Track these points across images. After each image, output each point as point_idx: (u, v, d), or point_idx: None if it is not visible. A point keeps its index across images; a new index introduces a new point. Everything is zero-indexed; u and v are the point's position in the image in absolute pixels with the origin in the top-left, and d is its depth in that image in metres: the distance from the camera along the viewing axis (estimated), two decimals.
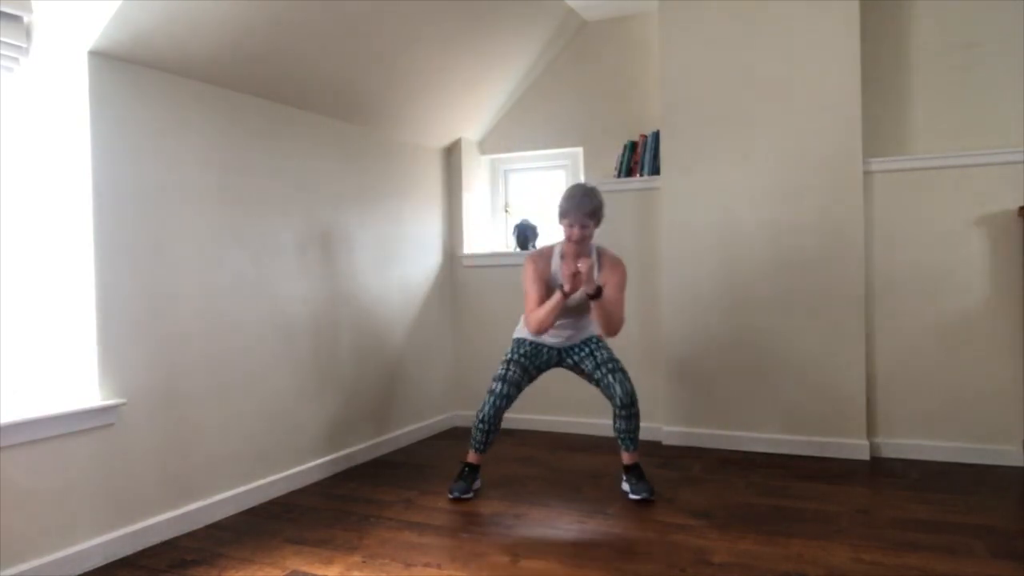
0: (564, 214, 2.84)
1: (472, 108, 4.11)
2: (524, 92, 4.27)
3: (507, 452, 3.66)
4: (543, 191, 4.41)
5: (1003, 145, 3.21)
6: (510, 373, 2.94)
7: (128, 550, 2.41)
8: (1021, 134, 3.20)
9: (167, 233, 2.57)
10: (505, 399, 2.92)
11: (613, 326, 2.83)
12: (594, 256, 2.90)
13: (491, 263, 4.22)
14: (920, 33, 3.39)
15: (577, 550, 2.38)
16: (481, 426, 2.95)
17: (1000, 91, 3.25)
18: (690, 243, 3.66)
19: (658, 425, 3.76)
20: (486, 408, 2.93)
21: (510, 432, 4.09)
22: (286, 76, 2.96)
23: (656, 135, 3.78)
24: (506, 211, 4.54)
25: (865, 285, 3.36)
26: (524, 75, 4.16)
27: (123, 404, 2.39)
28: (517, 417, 4.17)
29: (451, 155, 4.32)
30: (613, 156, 3.96)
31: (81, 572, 2.26)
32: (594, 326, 2.98)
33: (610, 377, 2.87)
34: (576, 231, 2.82)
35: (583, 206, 2.80)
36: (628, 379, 2.89)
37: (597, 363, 2.91)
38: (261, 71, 2.84)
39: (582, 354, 2.96)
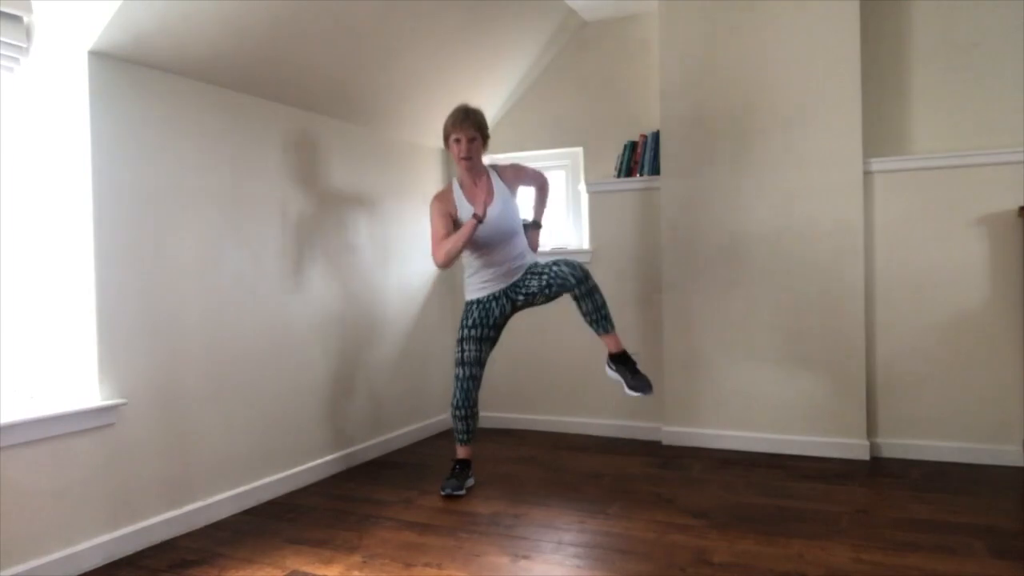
0: (448, 131, 2.92)
1: None
2: (524, 92, 4.27)
3: (507, 452, 3.67)
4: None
5: (1003, 145, 3.21)
6: (467, 353, 2.96)
7: (128, 550, 2.41)
8: (1021, 134, 3.20)
9: (167, 233, 2.57)
10: (471, 380, 2.96)
11: (547, 188, 3.15)
12: (494, 177, 2.98)
13: None
14: (920, 33, 3.39)
15: (577, 550, 2.38)
16: (458, 413, 3.00)
17: (1000, 91, 3.25)
18: (690, 243, 3.66)
19: (658, 425, 3.76)
20: (457, 395, 2.98)
21: (510, 432, 4.09)
22: (286, 76, 2.96)
23: (656, 135, 3.78)
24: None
25: (865, 285, 3.36)
26: (524, 75, 4.16)
27: (123, 404, 2.39)
28: (517, 417, 4.18)
29: (451, 155, 4.32)
30: (613, 156, 3.97)
31: (81, 572, 2.26)
32: (528, 253, 3.03)
33: (555, 269, 2.83)
34: (464, 145, 2.88)
35: (467, 118, 2.89)
36: (571, 261, 2.86)
37: (540, 274, 2.90)
38: (261, 71, 2.84)
39: (527, 283, 2.94)
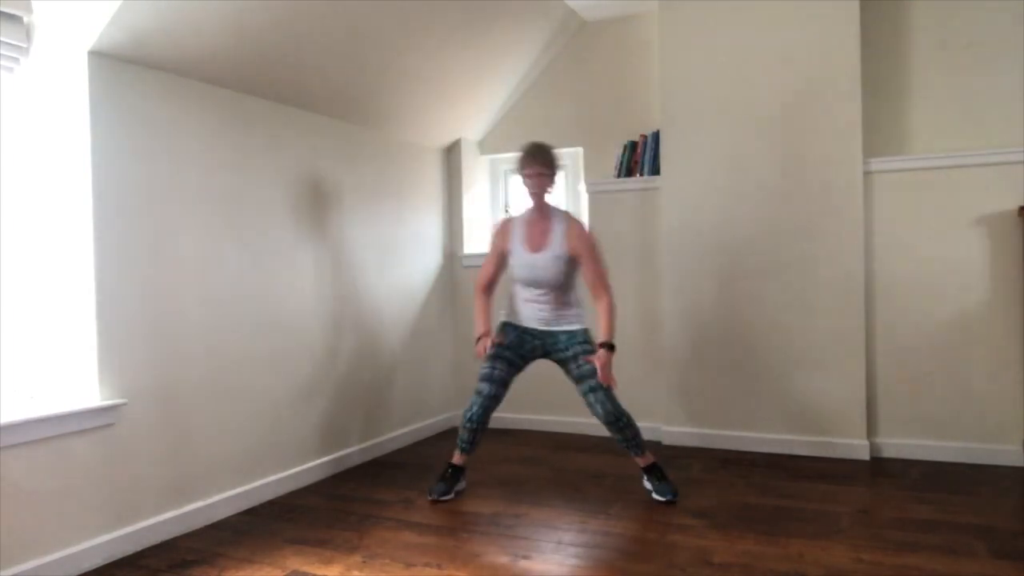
0: (522, 165, 2.89)
1: (472, 108, 4.11)
2: (524, 92, 4.27)
3: (507, 452, 3.66)
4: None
5: (1003, 145, 3.21)
6: (497, 372, 2.89)
7: (128, 550, 2.41)
8: (1021, 134, 3.20)
9: (167, 233, 2.57)
10: (493, 400, 2.89)
11: (614, 310, 2.85)
12: (560, 226, 2.87)
13: None
14: (920, 33, 3.39)
15: (577, 550, 2.38)
16: (469, 425, 2.92)
17: (1000, 91, 3.25)
18: (690, 243, 3.66)
19: (658, 425, 3.76)
20: (475, 409, 2.89)
21: (510, 432, 4.09)
22: (286, 76, 2.96)
23: (656, 135, 3.79)
24: (506, 211, 4.54)
25: (865, 285, 3.36)
26: (524, 75, 4.16)
27: (123, 404, 2.39)
28: (517, 417, 4.18)
29: (451, 155, 4.33)
30: (613, 156, 3.97)
31: (81, 572, 2.26)
32: (575, 314, 2.93)
33: (591, 397, 2.80)
34: (533, 180, 2.85)
35: (538, 154, 2.87)
36: (609, 397, 2.78)
37: (580, 375, 2.84)
38: (261, 71, 2.84)
39: (566, 355, 2.89)
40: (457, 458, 3.00)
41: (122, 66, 2.41)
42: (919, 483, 2.98)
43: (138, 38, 2.35)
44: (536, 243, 2.87)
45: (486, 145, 4.45)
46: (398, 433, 3.83)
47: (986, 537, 2.37)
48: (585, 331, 2.92)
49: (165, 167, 2.56)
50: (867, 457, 3.33)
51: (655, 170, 3.78)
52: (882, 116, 3.44)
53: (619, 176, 3.91)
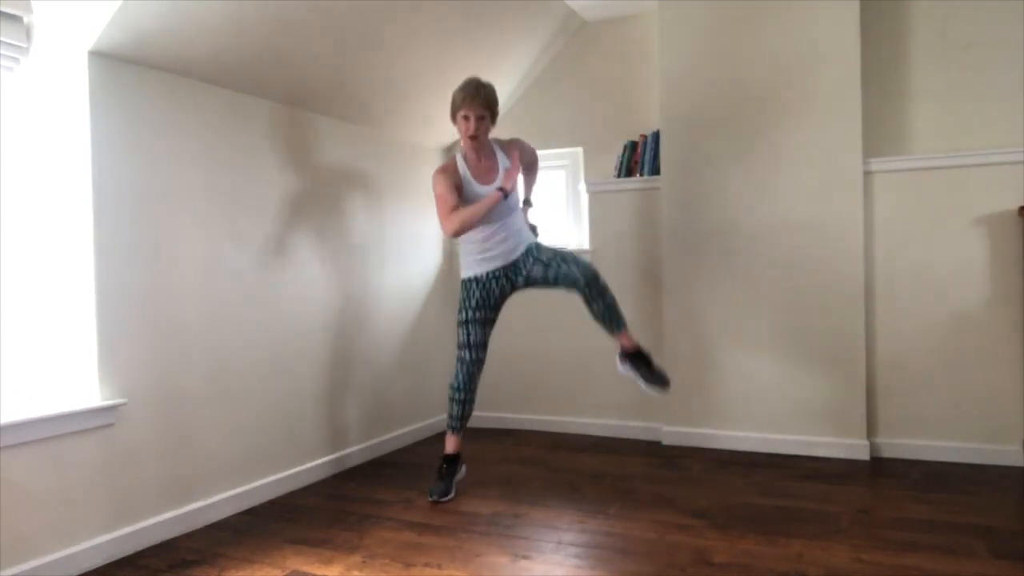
0: (457, 106, 2.81)
1: None
2: (524, 92, 4.27)
3: (506, 452, 3.67)
4: (543, 191, 4.40)
5: (1003, 145, 3.21)
6: (472, 336, 2.88)
7: (128, 550, 2.41)
8: (1021, 134, 3.20)
9: (167, 233, 2.57)
10: (476, 363, 2.90)
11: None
12: (499, 153, 2.91)
13: None
14: (920, 33, 3.39)
15: (577, 550, 2.38)
16: (457, 396, 2.91)
17: (1000, 91, 3.25)
18: (690, 243, 3.66)
19: (658, 425, 3.76)
20: (460, 377, 2.89)
21: (510, 432, 4.09)
22: (286, 76, 2.96)
23: (656, 135, 3.78)
24: None
25: (865, 285, 3.36)
26: (524, 75, 4.16)
27: (123, 404, 2.39)
28: (517, 417, 4.18)
29: (451, 155, 4.32)
30: (613, 156, 3.96)
31: (81, 572, 2.26)
32: (526, 233, 2.98)
33: (563, 267, 2.81)
34: (472, 123, 2.78)
35: (478, 95, 2.78)
36: (580, 259, 2.85)
37: (546, 264, 2.86)
38: (261, 71, 2.84)
39: (528, 265, 2.89)
40: (450, 444, 2.98)
41: (122, 66, 2.41)
42: (919, 483, 2.98)
43: (138, 38, 2.35)
44: (487, 177, 2.87)
45: None
46: (398, 433, 3.83)
47: (986, 537, 2.37)
48: (536, 244, 2.96)
49: (165, 167, 2.57)
50: (867, 457, 3.33)
51: (655, 170, 3.78)
52: (882, 116, 3.44)
53: (619, 176, 3.91)
